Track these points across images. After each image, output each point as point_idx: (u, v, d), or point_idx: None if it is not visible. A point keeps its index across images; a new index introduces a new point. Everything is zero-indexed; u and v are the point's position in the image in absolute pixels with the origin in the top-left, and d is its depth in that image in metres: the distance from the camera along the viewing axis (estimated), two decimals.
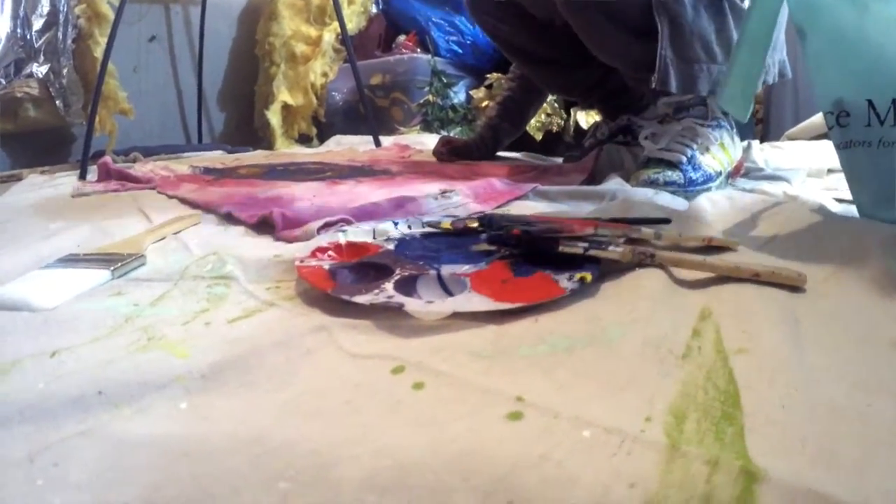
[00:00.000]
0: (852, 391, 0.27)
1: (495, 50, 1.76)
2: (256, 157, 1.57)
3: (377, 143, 1.70)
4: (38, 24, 1.46)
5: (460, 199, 0.66)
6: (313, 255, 0.42)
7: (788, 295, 0.39)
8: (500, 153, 1.37)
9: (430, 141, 1.66)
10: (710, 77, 0.81)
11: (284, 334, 0.35)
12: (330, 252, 0.42)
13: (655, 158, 0.81)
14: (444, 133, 1.76)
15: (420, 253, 0.43)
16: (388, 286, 0.37)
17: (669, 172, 0.78)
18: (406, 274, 0.39)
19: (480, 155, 1.27)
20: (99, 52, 1.44)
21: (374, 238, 0.47)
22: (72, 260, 0.47)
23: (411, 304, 0.35)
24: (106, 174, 1.08)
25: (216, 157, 1.66)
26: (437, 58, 1.84)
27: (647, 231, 0.47)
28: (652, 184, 0.76)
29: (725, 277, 0.40)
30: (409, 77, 1.84)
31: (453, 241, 0.46)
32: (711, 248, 0.47)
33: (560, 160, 1.25)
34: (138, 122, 1.61)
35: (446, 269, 0.40)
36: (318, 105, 1.87)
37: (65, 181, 1.21)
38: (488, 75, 1.82)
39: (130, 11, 1.36)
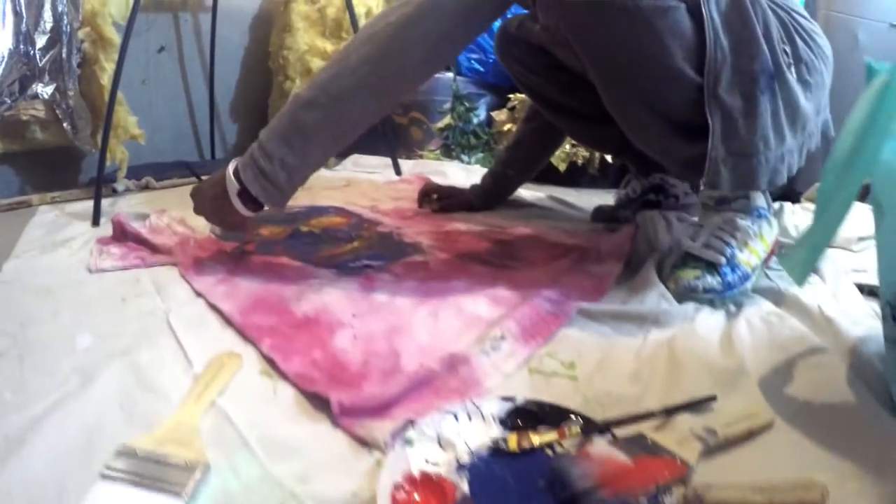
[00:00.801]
0: None
1: None
2: None
3: (397, 171, 1.65)
4: (41, 41, 1.38)
5: (509, 344, 0.63)
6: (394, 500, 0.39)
7: None
8: (523, 190, 1.33)
9: (450, 170, 1.61)
10: (768, 167, 0.75)
11: None
12: (405, 488, 0.40)
13: (694, 255, 0.78)
14: (465, 159, 1.71)
15: (494, 490, 0.41)
16: None
17: (709, 278, 0.75)
18: None
19: (481, 206, 1.22)
20: (106, 79, 1.36)
21: (441, 445, 0.45)
22: (135, 476, 0.43)
23: None
24: (121, 233, 1.03)
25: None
26: (459, 78, 1.77)
27: (695, 444, 0.45)
28: (692, 292, 0.73)
29: None
30: (429, 97, 1.77)
31: (521, 467, 0.43)
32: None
33: (588, 197, 1.20)
34: (149, 136, 1.55)
35: None
36: None
37: (79, 229, 1.16)
38: (511, 96, 1.75)
39: (138, 21, 1.28)
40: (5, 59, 1.35)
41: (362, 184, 1.50)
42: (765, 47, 0.71)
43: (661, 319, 0.69)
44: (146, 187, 1.59)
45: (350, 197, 1.35)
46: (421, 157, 1.81)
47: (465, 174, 1.59)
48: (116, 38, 1.36)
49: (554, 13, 0.78)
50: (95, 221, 1.18)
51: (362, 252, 0.97)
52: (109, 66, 1.36)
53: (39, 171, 1.58)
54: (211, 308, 0.77)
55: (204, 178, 1.52)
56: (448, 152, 1.76)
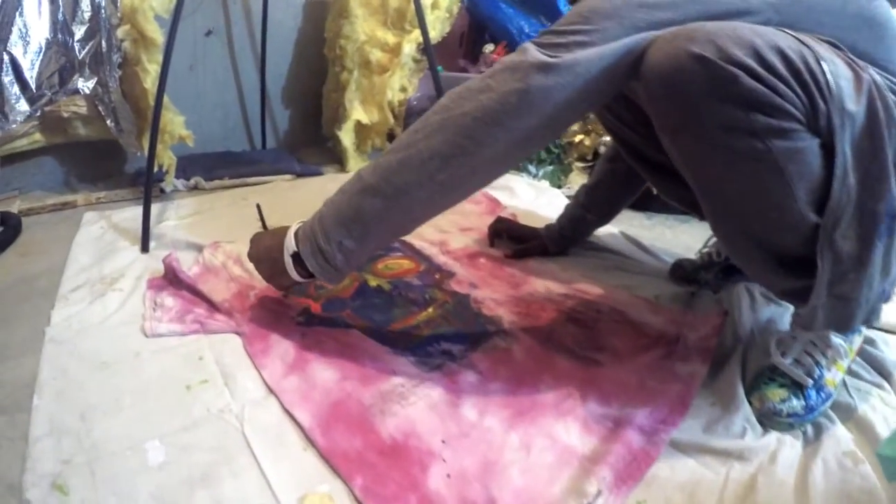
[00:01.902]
0: None
1: None
2: None
3: None
4: (79, 31, 1.26)
5: (604, 499, 0.58)
6: None
7: None
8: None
9: (517, 186, 1.48)
10: (866, 308, 0.68)
11: None
12: None
13: (781, 371, 0.73)
14: (532, 171, 1.57)
15: None
16: None
17: (794, 401, 0.70)
18: None
19: (555, 252, 1.12)
20: (150, 82, 1.23)
21: None
22: None
23: None
24: (174, 277, 0.95)
25: (286, 189, 1.50)
26: None
27: None
28: (775, 415, 0.69)
29: None
30: None
31: None
32: None
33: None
34: (197, 125, 1.44)
35: None
36: (395, 124, 1.65)
37: (128, 256, 1.08)
38: None
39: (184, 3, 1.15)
40: (43, 49, 1.24)
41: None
42: (893, 184, 0.60)
43: (744, 455, 0.66)
44: (195, 188, 1.50)
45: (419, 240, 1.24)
46: None
47: (533, 193, 1.46)
48: (159, 37, 1.22)
49: (667, 138, 0.65)
50: (144, 248, 1.10)
51: (439, 325, 0.88)
52: (153, 68, 1.23)
53: (84, 162, 1.50)
54: (286, 413, 0.69)
55: (255, 182, 1.48)
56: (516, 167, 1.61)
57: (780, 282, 0.70)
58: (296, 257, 0.75)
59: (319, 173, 1.65)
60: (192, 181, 1.50)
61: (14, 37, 1.19)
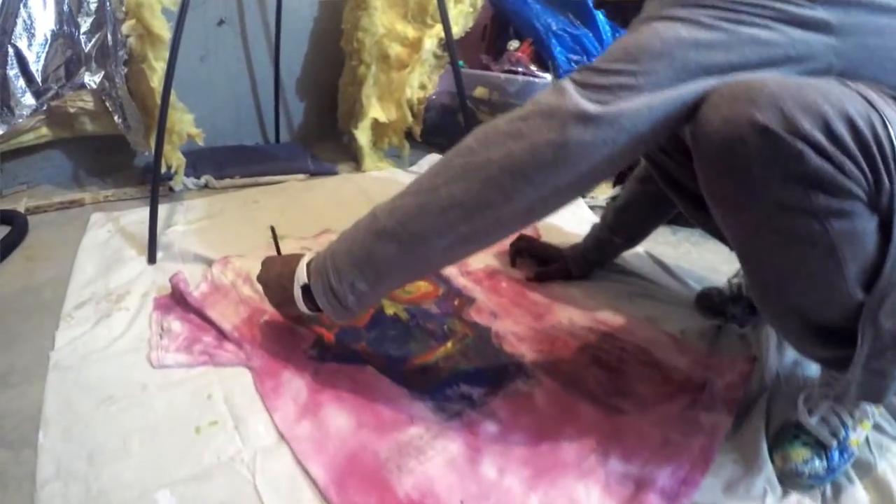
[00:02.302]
0: None
1: None
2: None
3: None
4: (85, 24, 1.20)
5: None
6: None
7: None
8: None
9: None
10: None
11: None
12: None
13: (806, 429, 0.70)
14: None
15: None
16: None
17: (816, 462, 0.67)
18: None
19: (579, 275, 1.07)
20: (156, 81, 1.17)
21: None
22: None
23: None
24: (181, 298, 0.91)
25: (300, 191, 1.45)
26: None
27: None
28: (797, 476, 0.67)
29: None
30: (521, 102, 1.54)
31: None
32: None
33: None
34: (208, 118, 1.40)
35: None
36: (413, 122, 1.59)
37: (134, 268, 1.04)
38: None
39: None
40: (49, 41, 1.19)
41: None
42: None
43: None
44: (205, 186, 1.46)
45: None
46: None
47: None
48: (167, 33, 1.16)
49: (714, 203, 0.58)
50: (151, 259, 1.06)
51: (458, 362, 0.84)
52: (160, 66, 1.17)
53: (92, 155, 1.46)
54: (299, 465, 0.66)
55: (267, 181, 1.43)
56: None
57: (814, 350, 0.66)
58: (306, 290, 0.71)
59: (334, 172, 1.60)
60: (203, 180, 1.45)
61: (19, 29, 1.14)
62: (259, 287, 0.92)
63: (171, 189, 1.40)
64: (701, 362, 0.83)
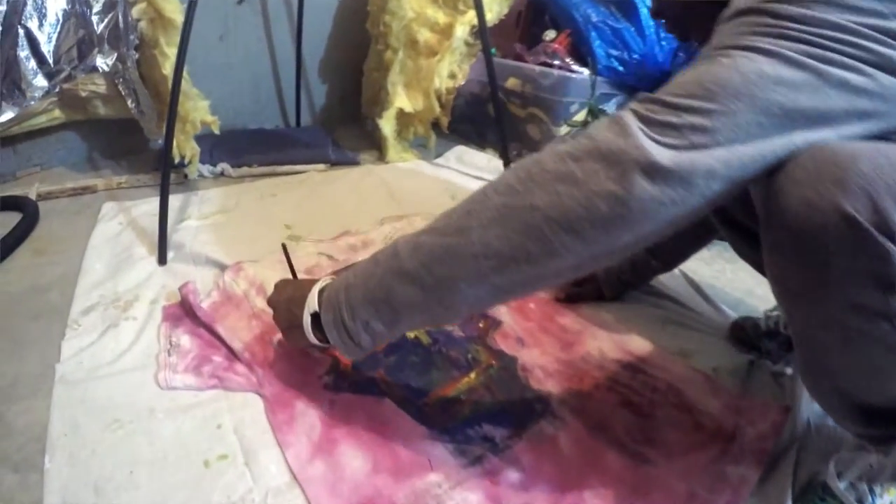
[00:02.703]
0: None
1: (664, 72, 1.36)
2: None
3: None
4: (97, 3, 1.13)
5: None
6: None
7: None
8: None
9: None
10: None
11: None
12: None
13: (832, 492, 0.65)
14: None
15: None
16: None
17: None
18: None
19: (611, 297, 1.01)
20: (168, 67, 1.10)
21: None
22: None
23: None
24: (190, 312, 0.87)
25: (319, 183, 1.39)
26: (595, 85, 1.43)
27: None
28: None
29: None
30: (556, 96, 1.45)
31: None
32: None
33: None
34: (228, 99, 1.34)
35: None
36: (441, 113, 1.51)
37: (145, 268, 1.00)
38: None
39: None
40: (60, 21, 1.13)
41: None
42: None
43: None
44: (222, 174, 1.40)
45: None
46: None
47: None
48: (180, 17, 1.08)
49: (776, 286, 0.52)
50: (162, 260, 1.02)
51: (482, 396, 0.79)
52: (172, 52, 1.10)
53: (107, 137, 1.41)
54: None
55: (285, 171, 1.36)
56: None
57: (856, 426, 0.62)
58: (315, 318, 0.65)
59: (356, 162, 1.53)
60: (219, 168, 1.40)
61: (29, 9, 1.07)
62: None
63: (185, 176, 1.35)
64: (733, 405, 0.78)
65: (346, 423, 0.72)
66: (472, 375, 0.82)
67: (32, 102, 1.15)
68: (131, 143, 1.44)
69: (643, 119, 0.46)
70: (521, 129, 1.56)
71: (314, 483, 0.65)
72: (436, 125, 1.56)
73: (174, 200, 1.25)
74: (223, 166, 1.39)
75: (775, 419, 0.75)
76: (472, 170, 1.53)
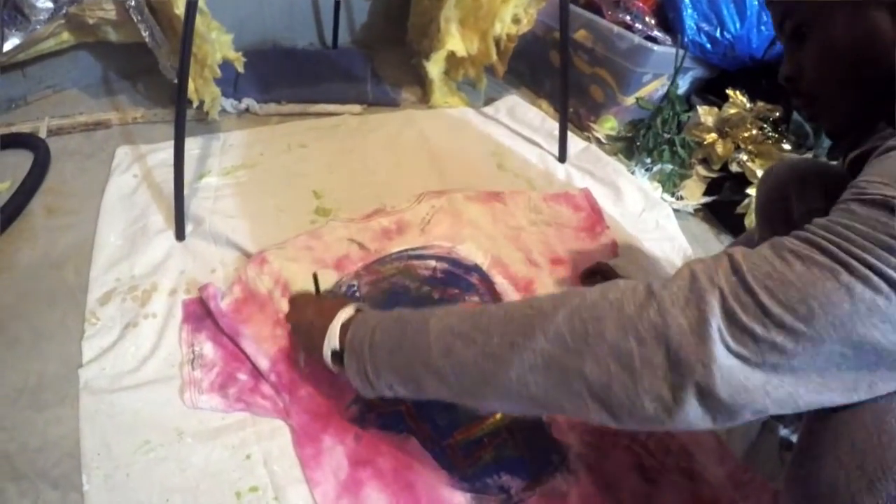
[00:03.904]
0: None
1: (753, 60, 1.18)
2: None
3: (562, 155, 1.27)
4: None
5: None
6: None
7: None
8: None
9: (626, 187, 1.23)
10: None
11: None
12: None
13: None
14: (646, 163, 1.27)
15: None
16: None
17: None
18: None
19: None
20: (181, 6, 0.94)
21: None
22: None
23: None
24: (208, 314, 0.83)
25: (354, 134, 1.26)
26: (681, 61, 1.22)
27: None
28: None
29: None
30: (631, 66, 1.24)
31: None
32: None
33: None
34: (258, 13, 1.19)
35: None
36: (497, 61, 1.31)
37: (162, 244, 0.95)
38: (729, 91, 1.23)
39: None
40: None
41: (515, 200, 1.14)
42: None
43: None
44: (246, 111, 1.27)
45: (498, 230, 1.05)
46: (592, 128, 1.37)
47: (642, 203, 1.21)
48: None
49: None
50: (180, 235, 0.95)
51: (504, 440, 0.77)
52: None
53: (122, 56, 1.26)
54: None
55: (317, 111, 1.22)
56: (629, 153, 1.31)
57: None
58: (336, 353, 0.64)
59: (396, 104, 1.38)
60: (244, 104, 1.26)
61: None
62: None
63: (206, 113, 1.22)
64: (735, 478, 0.78)
65: (372, 464, 0.72)
66: (497, 416, 0.79)
67: (38, 27, 1.01)
68: (148, 63, 1.30)
69: (728, 315, 0.40)
70: (583, 87, 1.37)
71: None
72: (490, 70, 1.38)
73: (193, 143, 1.15)
74: (248, 102, 1.26)
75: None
76: (523, 128, 1.37)
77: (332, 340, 0.63)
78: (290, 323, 0.74)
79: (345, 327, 0.63)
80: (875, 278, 0.37)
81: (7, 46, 0.99)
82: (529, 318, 0.48)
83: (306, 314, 0.70)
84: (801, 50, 0.52)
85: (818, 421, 0.45)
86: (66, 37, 1.09)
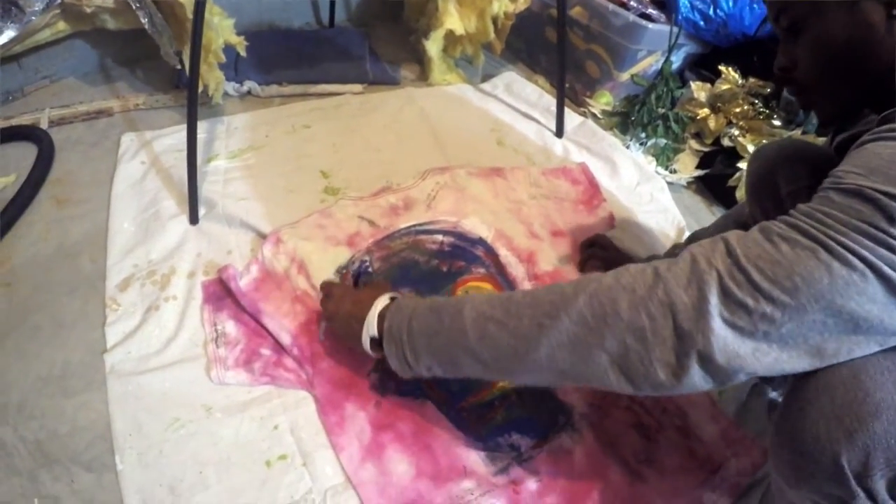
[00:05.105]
0: None
1: (746, 37, 1.22)
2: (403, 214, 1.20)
3: (559, 130, 1.30)
4: None
5: None
6: None
7: None
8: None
9: (621, 162, 1.27)
10: None
11: None
12: None
13: None
14: (641, 138, 1.31)
15: None
16: None
17: None
18: None
19: None
20: None
21: None
22: None
23: None
24: (228, 294, 0.86)
25: (355, 114, 1.28)
26: (675, 39, 1.24)
27: None
28: None
29: None
30: (625, 43, 1.27)
31: None
32: None
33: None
34: None
35: None
36: (495, 39, 1.33)
37: (176, 228, 0.97)
38: (721, 67, 1.26)
39: None
40: None
41: (515, 175, 1.17)
42: None
43: None
44: (248, 93, 1.28)
45: (500, 204, 1.09)
46: (588, 103, 1.39)
47: (637, 176, 1.24)
48: None
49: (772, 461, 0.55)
50: (193, 219, 0.97)
51: (513, 402, 0.82)
52: None
53: (119, 42, 1.26)
54: None
55: (317, 91, 1.23)
56: (624, 128, 1.34)
57: None
58: (374, 339, 0.69)
59: (395, 82, 1.39)
60: (245, 87, 1.27)
61: None
62: (314, 278, 0.89)
63: (209, 97, 1.23)
64: (727, 436, 0.83)
65: (392, 428, 0.77)
66: (506, 382, 0.83)
67: (33, 18, 1.01)
68: (146, 48, 1.29)
69: (724, 292, 0.46)
70: (579, 62, 1.40)
71: (366, 485, 0.71)
72: (488, 47, 1.40)
73: (199, 129, 1.14)
74: (250, 84, 1.27)
75: (756, 460, 0.80)
76: (521, 104, 1.40)
77: (370, 329, 0.68)
78: (326, 313, 0.77)
79: (381, 316, 0.67)
80: (850, 256, 0.42)
81: (3, 40, 0.98)
82: (553, 302, 0.54)
83: (344, 305, 0.74)
84: (796, 43, 0.55)
85: (802, 379, 0.50)
86: (61, 26, 1.08)
